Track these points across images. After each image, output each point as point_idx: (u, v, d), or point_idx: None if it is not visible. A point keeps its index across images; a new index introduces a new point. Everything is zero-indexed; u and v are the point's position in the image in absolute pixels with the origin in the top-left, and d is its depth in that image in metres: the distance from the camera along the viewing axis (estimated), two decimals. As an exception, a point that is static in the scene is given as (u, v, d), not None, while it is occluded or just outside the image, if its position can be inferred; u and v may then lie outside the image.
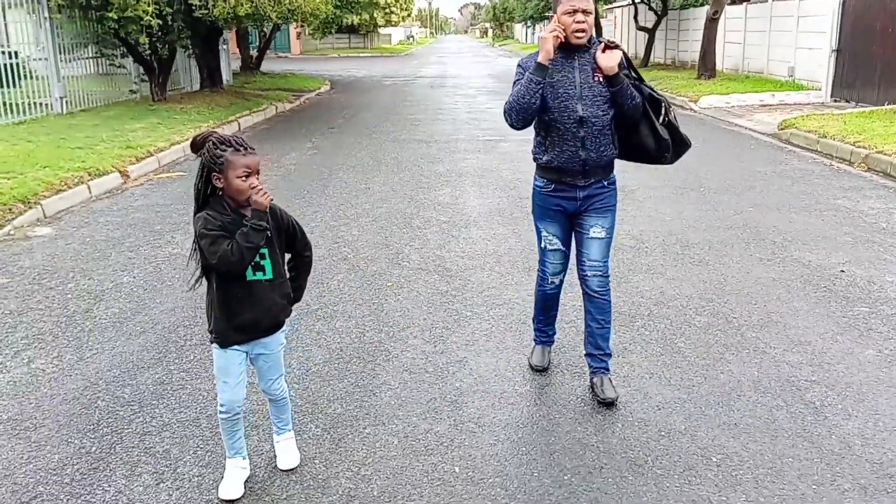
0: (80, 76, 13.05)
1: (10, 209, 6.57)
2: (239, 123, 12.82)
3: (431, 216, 6.76)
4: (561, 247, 3.52)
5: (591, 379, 3.48)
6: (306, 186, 8.04)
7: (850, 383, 3.55)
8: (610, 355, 3.50)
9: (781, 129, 11.27)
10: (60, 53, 12.15)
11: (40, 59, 12.13)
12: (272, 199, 2.60)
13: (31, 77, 11.86)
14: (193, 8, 11.23)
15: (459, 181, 8.27)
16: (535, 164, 3.49)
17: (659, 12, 23.70)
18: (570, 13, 3.20)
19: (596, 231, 3.40)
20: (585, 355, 3.55)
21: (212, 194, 2.61)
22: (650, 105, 3.35)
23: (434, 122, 13.45)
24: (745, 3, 19.31)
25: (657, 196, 7.28)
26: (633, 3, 25.25)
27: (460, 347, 4.01)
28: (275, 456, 2.94)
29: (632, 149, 3.46)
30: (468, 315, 4.46)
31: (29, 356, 3.94)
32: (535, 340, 3.82)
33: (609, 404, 3.34)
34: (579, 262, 3.47)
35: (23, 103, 11.29)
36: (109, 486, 2.80)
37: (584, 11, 3.19)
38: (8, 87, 11.05)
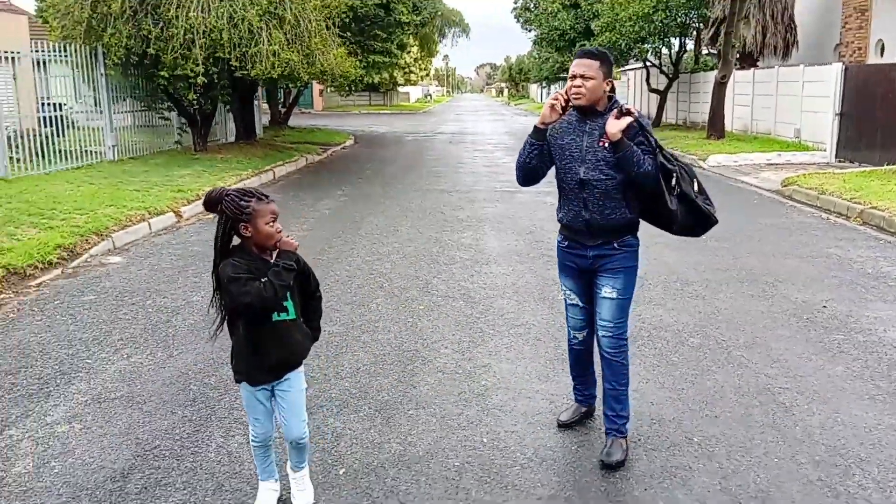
0: (128, 127, 14.11)
1: (86, 240, 7.40)
2: (274, 172, 13.76)
3: (455, 254, 7.50)
4: (579, 302, 3.57)
5: (606, 440, 3.48)
6: (341, 228, 8.83)
7: (817, 391, 4.19)
8: (626, 418, 3.48)
9: (784, 186, 12.00)
10: (113, 105, 13.22)
11: (81, 112, 13.16)
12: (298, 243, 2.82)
13: (74, 127, 12.86)
14: (234, 68, 12.26)
15: (479, 226, 9.04)
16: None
17: (670, 75, 24.79)
18: (571, 78, 3.34)
19: (607, 291, 3.41)
20: (603, 415, 3.56)
21: (229, 246, 2.79)
22: (662, 175, 3.30)
23: (455, 174, 14.31)
24: (752, 69, 20.32)
25: (662, 243, 7.95)
26: (646, 66, 26.39)
27: (484, 356, 4.70)
28: (289, 489, 3.08)
29: (651, 214, 3.44)
30: (490, 332, 5.16)
31: (127, 353, 4.71)
32: (574, 398, 3.88)
33: (610, 467, 3.33)
34: (595, 323, 3.50)
35: (77, 150, 12.27)
36: (211, 442, 3.53)
37: (581, 76, 3.29)
38: (57, 136, 12.03)
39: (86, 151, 12.57)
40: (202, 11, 11.56)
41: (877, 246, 8.05)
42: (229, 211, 2.71)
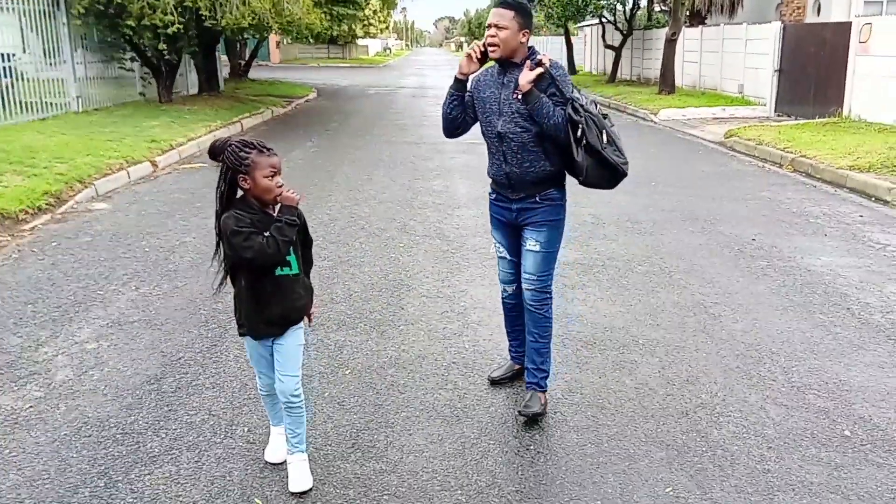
0: (90, 78, 14.15)
1: (70, 187, 7.76)
2: (242, 125, 14.05)
3: (428, 199, 8.09)
4: (507, 255, 3.60)
5: (526, 388, 3.54)
6: (315, 177, 9.32)
7: (741, 304, 4.95)
8: (546, 373, 3.52)
9: (727, 138, 12.83)
10: (77, 56, 13.29)
11: (29, 63, 13.07)
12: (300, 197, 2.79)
13: (23, 78, 12.75)
14: (203, 18, 12.45)
15: (449, 174, 9.62)
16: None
17: (624, 32, 25.41)
18: (487, 27, 3.31)
19: (531, 244, 3.42)
20: (525, 367, 3.60)
21: (232, 197, 2.73)
22: (570, 126, 3.24)
23: (420, 127, 14.79)
24: (700, 27, 21.05)
25: (617, 188, 8.72)
26: (602, 23, 26.95)
27: (462, 283, 5.35)
28: (286, 475, 2.95)
29: (568, 167, 3.39)
30: (465, 264, 5.80)
31: (134, 286, 5.22)
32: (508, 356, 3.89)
33: (529, 418, 3.38)
34: (521, 275, 3.52)
35: (38, 102, 12.31)
36: (229, 354, 4.12)
37: (496, 26, 3.26)
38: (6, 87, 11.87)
39: (47, 103, 12.64)
40: (173, -40, 11.68)
41: (803, 189, 8.89)
42: (229, 161, 2.66)
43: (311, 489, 2.87)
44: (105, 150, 9.50)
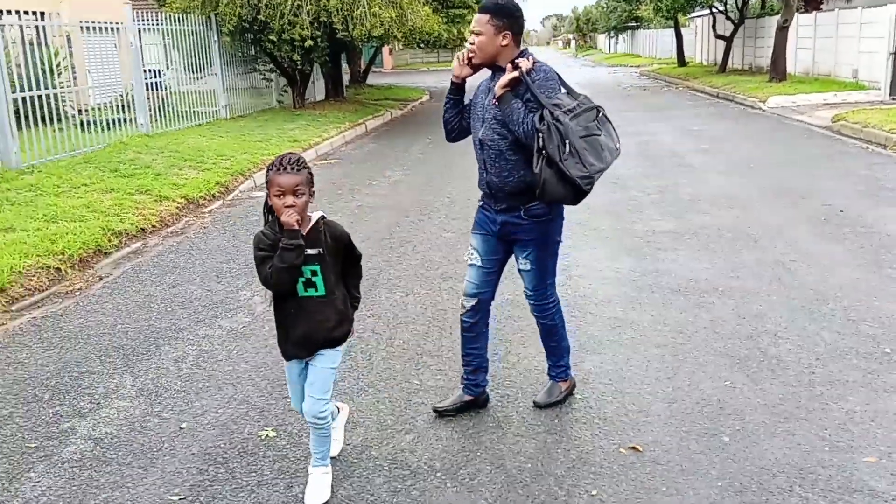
0: (235, 89, 15.93)
1: (235, 179, 9.25)
2: (366, 126, 15.47)
3: (537, 183, 9.03)
4: (479, 263, 3.41)
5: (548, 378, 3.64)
6: (435, 169, 10.44)
7: (818, 262, 5.62)
8: (566, 367, 3.61)
9: (834, 122, 13.03)
10: (225, 69, 15.08)
11: (172, 78, 14.72)
12: (314, 218, 2.74)
13: (167, 91, 14.43)
14: (336, 31, 13.90)
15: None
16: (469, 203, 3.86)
17: (736, 21, 25.31)
18: (472, 33, 3.28)
19: (522, 263, 3.37)
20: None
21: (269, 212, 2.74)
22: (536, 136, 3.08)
23: (529, 121, 15.69)
24: (815, 12, 20.85)
25: (716, 170, 9.35)
26: (712, 12, 26.90)
27: (567, 248, 6.29)
28: (305, 482, 2.96)
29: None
30: (575, 238, 6.73)
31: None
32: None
33: (537, 405, 3.53)
34: (486, 287, 3.46)
35: (191, 111, 14.02)
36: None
37: (475, 33, 3.21)
38: (156, 101, 13.52)
39: (198, 112, 14.42)
40: (311, -21, 13.15)
41: (904, 168, 9.22)
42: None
43: (327, 501, 2.87)
44: (257, 149, 11.02)
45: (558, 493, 2.90)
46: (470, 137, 3.45)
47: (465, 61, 3.27)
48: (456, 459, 3.16)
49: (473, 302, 3.43)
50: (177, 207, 7.67)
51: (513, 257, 3.44)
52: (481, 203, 3.44)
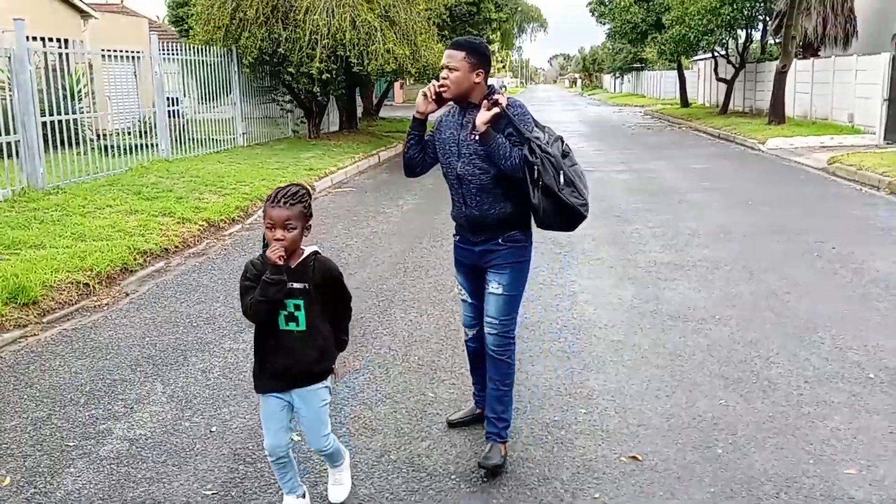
0: (252, 118, 16.38)
1: (254, 204, 9.59)
2: (379, 156, 15.88)
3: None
4: (468, 298, 3.54)
5: (485, 440, 3.41)
6: (445, 198, 10.66)
7: (809, 293, 5.91)
8: (507, 423, 3.41)
9: (829, 164, 13.40)
10: (243, 99, 15.54)
11: (187, 106, 15.10)
12: (306, 252, 2.76)
13: (183, 118, 14.74)
14: (352, 65, 14.38)
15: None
16: None
17: (737, 65, 25.92)
18: (440, 69, 3.31)
19: (493, 287, 3.35)
20: (485, 416, 3.46)
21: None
22: (527, 167, 3.18)
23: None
24: (812, 59, 21.41)
25: (715, 207, 9.70)
26: (714, 57, 27.52)
27: (573, 276, 6.59)
28: (327, 479, 3.12)
29: (532, 208, 3.27)
30: (574, 263, 7.03)
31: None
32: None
33: (490, 471, 3.27)
34: (482, 319, 3.43)
35: (209, 139, 14.43)
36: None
37: (448, 68, 3.23)
38: (175, 127, 13.88)
39: (215, 140, 14.84)
40: (327, 15, 13.66)
41: (892, 208, 9.55)
42: None
43: (347, 499, 3.00)
44: (274, 176, 11.39)
45: (564, 496, 3.16)
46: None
47: (434, 96, 3.28)
48: (469, 464, 3.41)
49: (474, 332, 3.57)
50: (198, 229, 8.00)
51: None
52: (457, 238, 3.51)
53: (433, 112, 3.36)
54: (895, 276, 6.33)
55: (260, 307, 2.64)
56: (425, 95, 3.27)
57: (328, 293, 2.79)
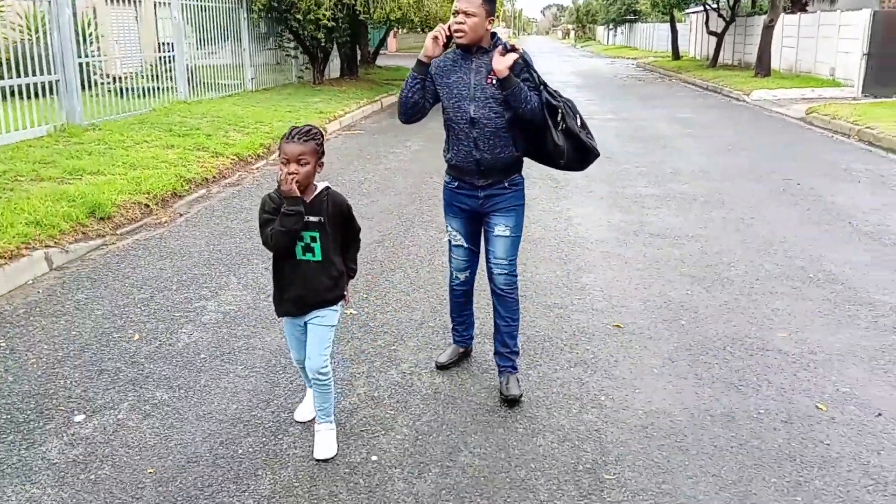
0: (259, 64, 17.01)
1: (274, 142, 10.38)
2: (381, 102, 16.62)
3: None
4: (464, 243, 3.60)
5: (499, 377, 3.60)
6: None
7: (771, 219, 6.88)
8: (517, 353, 3.61)
9: (807, 114, 14.31)
10: (251, 46, 16.17)
11: (186, 53, 15.35)
12: (318, 188, 2.91)
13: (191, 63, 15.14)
14: (357, 12, 15.03)
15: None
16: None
17: (727, 18, 26.56)
18: (454, 14, 3.29)
19: (500, 229, 3.47)
20: (494, 354, 3.68)
21: None
22: (548, 111, 3.33)
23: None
24: (799, 13, 22.11)
25: (697, 151, 10.63)
26: (706, 9, 28.12)
27: (568, 205, 7.52)
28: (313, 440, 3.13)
29: (534, 150, 3.49)
30: (572, 196, 7.96)
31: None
32: (451, 340, 3.94)
33: (512, 402, 3.46)
34: (487, 260, 3.57)
35: (216, 83, 14.99)
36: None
37: (465, 13, 3.24)
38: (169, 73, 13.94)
39: (228, 84, 15.50)
40: (336, -35, 14.28)
41: (859, 153, 10.52)
42: None
43: (334, 456, 3.04)
44: (289, 118, 12.18)
45: (564, 349, 4.13)
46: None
47: (445, 40, 3.30)
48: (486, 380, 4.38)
49: (467, 273, 3.68)
50: (231, 163, 8.86)
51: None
52: (454, 184, 3.54)
53: (439, 56, 3.38)
54: (847, 206, 7.31)
55: (280, 237, 2.79)
56: (436, 39, 3.28)
57: (340, 224, 2.98)
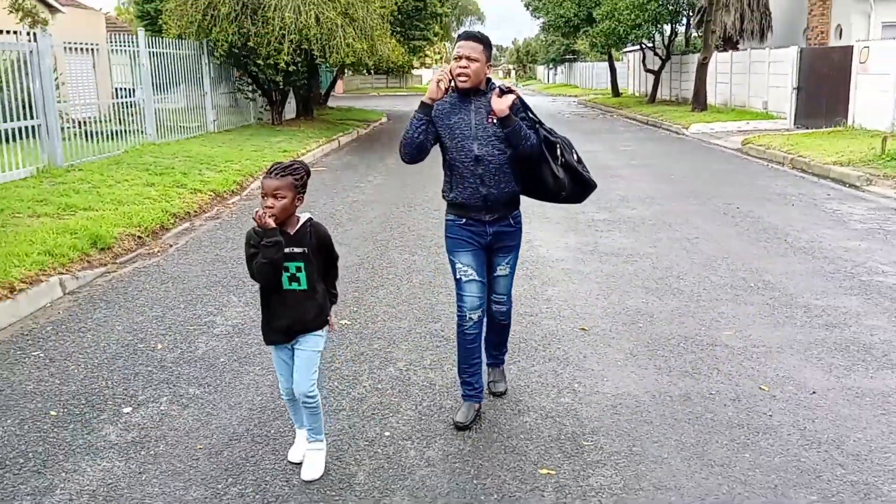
0: (219, 107, 17.44)
1: (246, 179, 10.89)
2: (339, 141, 17.22)
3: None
4: (476, 277, 3.61)
5: (488, 368, 4.03)
6: (409, 175, 12.16)
7: (712, 237, 7.62)
8: (506, 351, 4.12)
9: (743, 145, 15.40)
10: (212, 89, 16.63)
11: (141, 98, 15.72)
12: (301, 220, 3.07)
13: (137, 108, 15.44)
14: (314, 57, 15.67)
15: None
16: (444, 202, 3.69)
17: (663, 57, 28.08)
18: (456, 59, 3.44)
19: (502, 269, 3.70)
20: (487, 353, 4.04)
21: None
22: (546, 147, 3.53)
23: (484, 141, 17.70)
24: (732, 51, 23.62)
25: (641, 179, 11.46)
26: (642, 49, 29.66)
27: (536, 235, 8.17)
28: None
29: (534, 186, 3.64)
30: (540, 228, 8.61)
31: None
32: (462, 397, 3.79)
33: (499, 395, 3.97)
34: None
35: (177, 126, 15.33)
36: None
37: (468, 58, 3.41)
38: (131, 117, 14.27)
39: (190, 126, 15.85)
40: (294, 13, 14.93)
41: (792, 179, 11.48)
42: None
43: (320, 477, 3.16)
44: (256, 157, 12.69)
45: (538, 348, 4.69)
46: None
47: (449, 84, 3.45)
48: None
49: (479, 312, 3.64)
50: (209, 198, 9.31)
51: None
52: (461, 221, 3.60)
53: (441, 99, 3.50)
54: (783, 226, 8.12)
55: (264, 269, 2.91)
56: (439, 84, 3.41)
57: (322, 254, 3.12)
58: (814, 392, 4.07)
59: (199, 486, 3.16)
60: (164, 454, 3.41)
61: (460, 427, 3.62)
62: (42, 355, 4.59)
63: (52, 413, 3.82)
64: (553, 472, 3.27)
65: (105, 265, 6.37)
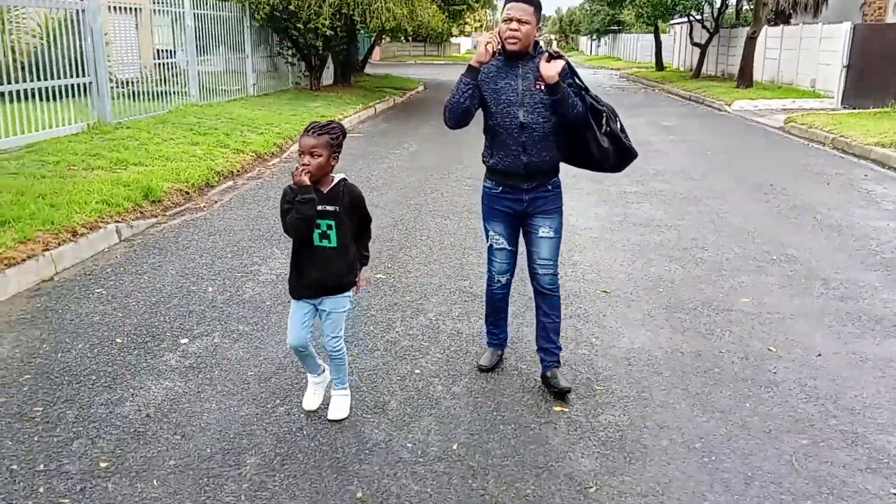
0: (260, 70, 17.76)
1: (286, 141, 11.20)
2: (375, 108, 17.44)
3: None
4: (507, 246, 3.69)
5: (545, 373, 3.70)
6: (446, 142, 12.42)
7: (744, 212, 7.72)
8: (560, 348, 3.78)
9: (786, 123, 15.26)
10: (252, 53, 16.92)
11: (182, 59, 16.06)
12: (335, 179, 3.13)
13: (179, 71, 15.70)
14: (354, 22, 15.84)
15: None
16: (484, 166, 3.66)
17: (711, 30, 27.63)
18: (506, 21, 3.38)
19: (545, 231, 3.61)
20: (538, 350, 3.79)
21: None
22: (592, 115, 3.48)
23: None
24: (783, 26, 23.16)
25: (678, 155, 11.52)
26: (690, 21, 29.19)
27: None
28: (328, 404, 3.46)
29: (577, 154, 3.63)
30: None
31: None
32: (487, 344, 4.01)
33: (563, 394, 3.62)
34: (530, 261, 3.68)
35: (218, 89, 15.65)
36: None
37: (518, 20, 3.33)
38: (175, 78, 14.42)
39: (230, 90, 16.13)
40: (336, -24, 15.08)
41: (832, 159, 11.43)
42: None
43: (346, 418, 3.40)
44: (293, 121, 12.96)
45: (563, 309, 4.92)
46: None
47: (494, 47, 3.37)
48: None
49: (508, 276, 3.79)
50: (251, 159, 9.66)
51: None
52: (498, 189, 3.61)
53: (489, 62, 3.44)
54: (814, 204, 8.18)
55: (297, 224, 2.98)
56: (488, 46, 3.35)
57: (354, 214, 3.19)
58: (819, 355, 4.26)
59: (251, 404, 3.58)
60: (219, 378, 3.83)
61: (483, 369, 3.86)
62: (104, 293, 5.03)
63: (118, 340, 4.28)
64: (566, 410, 3.57)
65: (156, 216, 6.76)
